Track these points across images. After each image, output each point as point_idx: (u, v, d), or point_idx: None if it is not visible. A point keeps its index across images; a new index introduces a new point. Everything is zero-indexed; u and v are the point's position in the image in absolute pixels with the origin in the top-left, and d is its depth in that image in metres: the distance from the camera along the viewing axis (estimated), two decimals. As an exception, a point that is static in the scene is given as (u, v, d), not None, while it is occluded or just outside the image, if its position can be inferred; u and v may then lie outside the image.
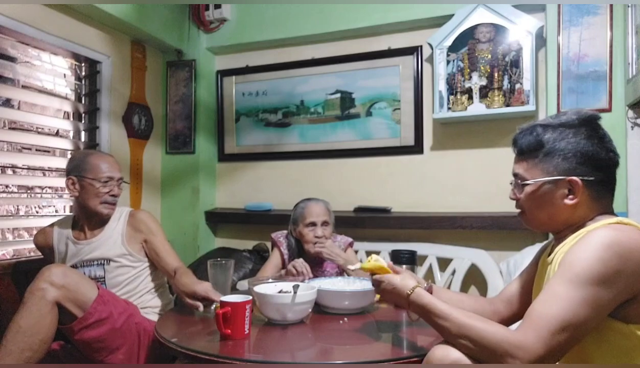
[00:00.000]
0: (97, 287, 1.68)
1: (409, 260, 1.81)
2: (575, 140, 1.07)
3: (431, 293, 1.34)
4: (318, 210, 2.09)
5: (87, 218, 1.90)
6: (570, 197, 1.07)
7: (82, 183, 1.84)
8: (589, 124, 1.09)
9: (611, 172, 1.09)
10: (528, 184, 1.11)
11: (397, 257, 1.80)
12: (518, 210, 1.19)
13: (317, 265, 2.10)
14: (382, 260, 1.31)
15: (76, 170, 1.86)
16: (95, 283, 1.70)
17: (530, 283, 1.26)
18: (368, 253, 2.57)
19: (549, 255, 1.16)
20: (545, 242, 1.34)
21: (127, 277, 1.88)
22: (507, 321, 1.32)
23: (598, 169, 1.07)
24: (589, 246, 0.96)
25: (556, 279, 0.98)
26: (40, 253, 2.05)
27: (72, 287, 1.60)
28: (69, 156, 2.61)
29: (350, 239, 2.22)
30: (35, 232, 2.09)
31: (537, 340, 0.92)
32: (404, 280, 1.20)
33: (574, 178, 1.06)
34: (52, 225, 2.00)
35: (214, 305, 1.53)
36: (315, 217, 2.07)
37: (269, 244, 2.91)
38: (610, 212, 1.10)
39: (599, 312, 0.94)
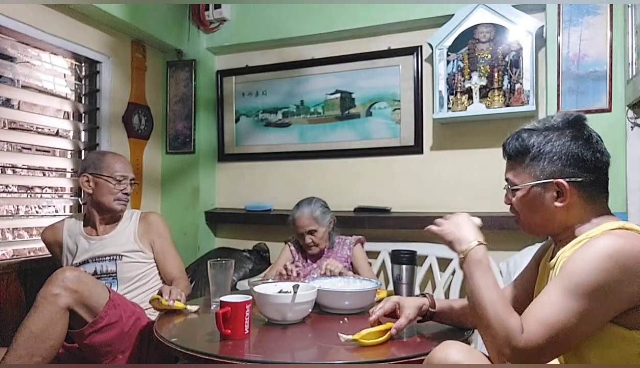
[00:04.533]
0: (108, 290, 1.68)
1: (409, 260, 1.82)
2: (560, 143, 1.08)
3: (434, 306, 1.40)
4: (302, 221, 2.18)
5: (100, 215, 1.98)
6: (560, 199, 1.08)
7: (98, 180, 1.93)
8: (574, 126, 1.10)
9: (601, 173, 1.09)
10: (518, 189, 1.13)
11: (397, 257, 1.80)
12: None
13: (321, 259, 2.20)
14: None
15: (92, 168, 1.95)
16: (106, 286, 1.71)
17: (528, 288, 1.26)
18: (368, 254, 2.58)
19: (550, 259, 1.15)
20: (543, 243, 1.33)
21: (139, 273, 1.94)
22: None
23: (585, 170, 1.07)
24: (590, 255, 0.95)
25: (555, 285, 0.97)
26: (43, 252, 2.06)
27: (86, 292, 1.59)
28: (69, 156, 2.62)
29: (358, 237, 2.28)
30: (35, 231, 2.09)
31: (532, 338, 0.93)
32: (464, 231, 1.19)
33: (560, 180, 1.06)
34: (61, 221, 2.05)
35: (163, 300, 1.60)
36: (301, 229, 2.17)
37: (269, 244, 2.92)
38: (608, 212, 1.10)
39: (594, 322, 0.95)
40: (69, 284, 1.56)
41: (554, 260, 1.12)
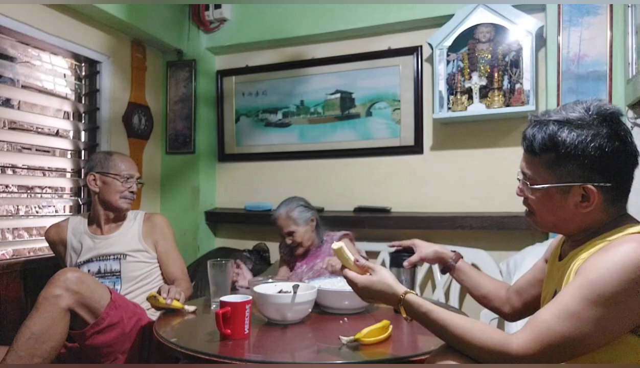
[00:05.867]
0: (109, 291, 1.68)
1: None
2: (594, 145, 0.96)
3: (458, 258, 1.43)
4: (281, 222, 2.19)
5: (105, 214, 1.99)
6: (585, 204, 0.98)
7: (105, 179, 1.96)
8: (611, 123, 0.99)
9: (630, 175, 1.01)
10: (537, 188, 1.04)
11: (397, 259, 1.77)
12: (517, 210, 1.16)
13: (310, 258, 2.20)
14: (347, 252, 1.23)
15: (98, 167, 1.98)
16: (107, 287, 1.71)
17: (540, 280, 1.24)
18: (368, 254, 2.58)
19: (560, 257, 1.11)
20: (550, 243, 1.31)
21: (142, 272, 1.95)
22: (519, 312, 1.32)
23: (616, 174, 0.98)
24: (612, 263, 0.88)
25: (572, 293, 0.91)
26: (43, 252, 2.06)
27: (87, 293, 1.58)
28: (69, 156, 2.62)
29: (344, 232, 2.23)
30: (35, 231, 2.09)
31: (533, 345, 0.89)
32: (386, 283, 1.12)
33: (589, 186, 0.97)
34: (65, 220, 2.06)
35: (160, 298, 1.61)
36: (281, 230, 2.19)
37: (269, 244, 2.92)
38: (625, 212, 1.03)
39: (611, 332, 0.89)
40: (71, 285, 1.55)
41: (565, 259, 1.06)
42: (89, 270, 1.88)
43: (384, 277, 1.14)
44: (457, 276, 1.44)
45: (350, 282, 1.19)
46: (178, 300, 1.63)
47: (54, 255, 2.07)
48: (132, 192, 2.00)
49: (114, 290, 1.78)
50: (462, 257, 1.45)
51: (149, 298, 1.61)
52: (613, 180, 0.98)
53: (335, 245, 1.24)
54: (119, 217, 2.02)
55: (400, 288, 1.10)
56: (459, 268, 1.42)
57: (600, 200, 0.98)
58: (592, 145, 0.96)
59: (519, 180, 1.10)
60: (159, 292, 1.63)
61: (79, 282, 1.57)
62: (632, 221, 1.01)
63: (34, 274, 2.13)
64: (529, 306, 1.29)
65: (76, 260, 1.94)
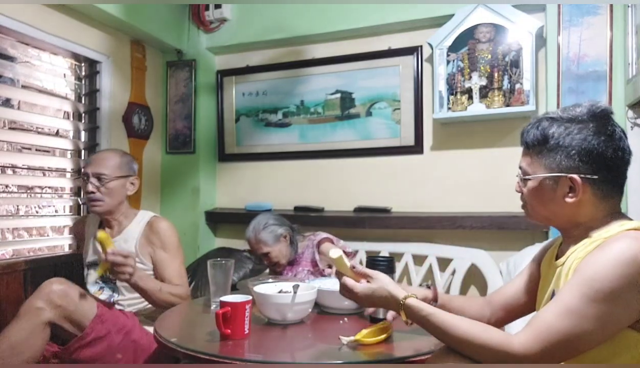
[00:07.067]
0: (96, 306, 1.65)
1: (387, 268, 1.68)
2: (580, 137, 1.02)
3: (436, 295, 1.33)
4: (252, 246, 2.15)
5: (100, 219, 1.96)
6: (571, 195, 1.03)
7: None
8: (599, 120, 1.04)
9: (619, 171, 1.04)
10: (529, 179, 1.09)
11: (374, 265, 1.69)
12: (517, 210, 1.17)
13: (293, 266, 2.18)
14: (345, 258, 1.24)
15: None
16: (95, 300, 1.69)
17: (530, 286, 1.24)
18: (368, 254, 2.58)
19: (557, 257, 1.12)
20: (545, 242, 1.32)
21: None
22: (502, 321, 1.31)
23: (603, 167, 1.02)
24: (609, 259, 0.91)
25: (570, 291, 0.93)
26: (43, 252, 2.05)
27: (71, 306, 1.57)
28: (69, 156, 2.62)
29: (322, 236, 2.18)
30: (35, 231, 2.09)
31: (535, 344, 0.90)
32: (387, 289, 1.14)
33: (574, 176, 1.01)
34: (88, 216, 2.05)
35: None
36: (256, 253, 2.16)
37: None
38: (619, 211, 1.06)
39: (611, 328, 0.91)
40: (54, 298, 1.54)
41: (562, 258, 1.08)
42: (73, 284, 1.85)
43: (384, 283, 1.16)
44: None
45: (350, 289, 1.20)
46: (116, 256, 1.58)
47: (54, 255, 2.08)
48: (87, 192, 1.82)
49: (107, 301, 1.77)
50: (437, 290, 1.36)
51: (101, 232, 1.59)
52: (600, 173, 1.02)
53: (335, 253, 1.25)
54: (110, 220, 1.92)
55: (401, 293, 1.11)
56: (442, 303, 1.32)
57: (588, 194, 1.03)
58: (578, 136, 1.03)
59: (517, 176, 1.15)
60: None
61: (63, 295, 1.55)
62: (625, 219, 1.04)
63: (34, 274, 2.13)
64: (517, 314, 1.29)
65: (86, 260, 1.94)
